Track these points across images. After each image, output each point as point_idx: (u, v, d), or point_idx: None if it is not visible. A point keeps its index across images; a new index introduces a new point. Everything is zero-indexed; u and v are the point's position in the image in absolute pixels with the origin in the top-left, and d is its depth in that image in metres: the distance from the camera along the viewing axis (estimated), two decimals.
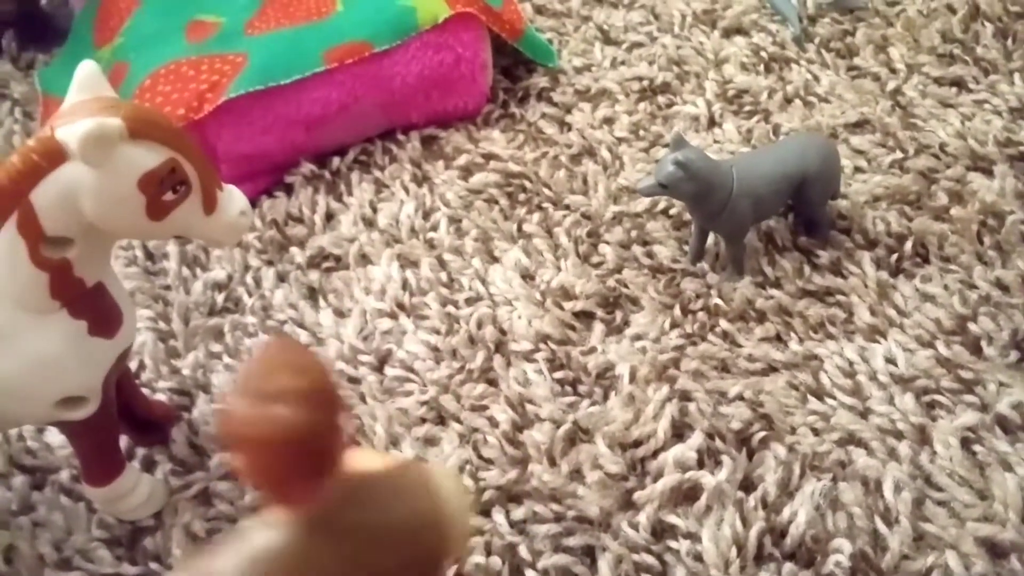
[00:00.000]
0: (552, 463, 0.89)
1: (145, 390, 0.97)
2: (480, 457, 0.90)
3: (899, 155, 1.16)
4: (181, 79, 1.14)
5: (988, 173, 1.14)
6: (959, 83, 1.26)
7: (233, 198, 0.75)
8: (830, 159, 1.03)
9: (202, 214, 0.73)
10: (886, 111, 1.22)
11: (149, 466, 0.92)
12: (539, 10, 1.42)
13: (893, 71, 1.29)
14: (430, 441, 0.92)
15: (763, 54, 1.32)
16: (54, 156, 0.68)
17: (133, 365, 0.99)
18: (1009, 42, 1.31)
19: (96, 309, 0.76)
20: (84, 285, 0.74)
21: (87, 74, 0.71)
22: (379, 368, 0.98)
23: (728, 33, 1.36)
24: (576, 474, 0.89)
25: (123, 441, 0.91)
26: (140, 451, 0.93)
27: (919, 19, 1.35)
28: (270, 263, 1.10)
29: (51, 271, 0.71)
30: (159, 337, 1.02)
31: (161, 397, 0.98)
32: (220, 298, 1.06)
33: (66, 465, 0.92)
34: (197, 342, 1.02)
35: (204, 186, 0.73)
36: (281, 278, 1.08)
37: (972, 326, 0.98)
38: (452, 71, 1.21)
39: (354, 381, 0.97)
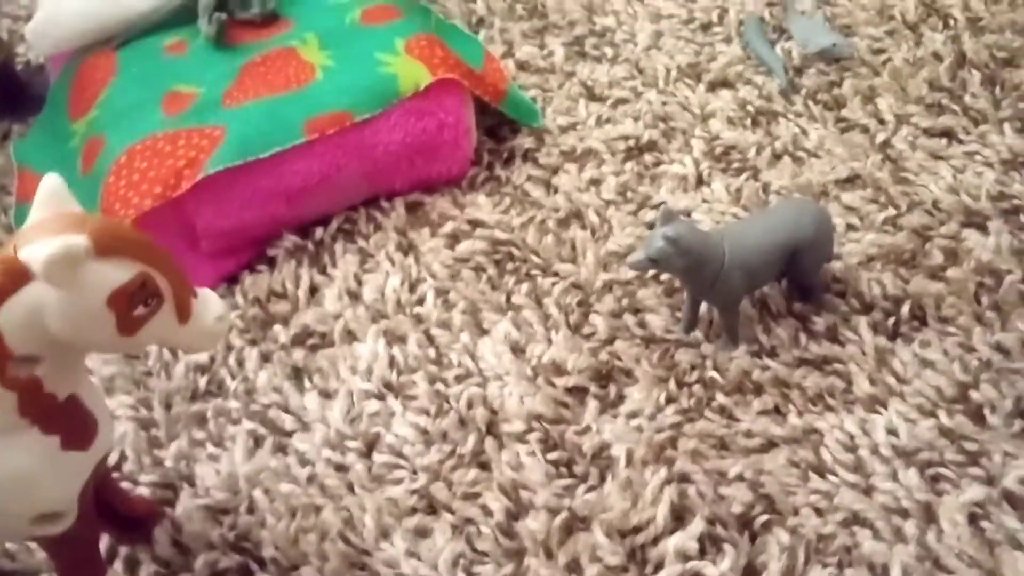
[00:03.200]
0: (549, 555, 0.86)
1: (127, 484, 0.94)
2: (474, 550, 0.88)
3: (892, 212, 1.15)
4: (158, 155, 1.11)
5: (982, 229, 1.12)
6: (949, 134, 1.25)
7: (208, 304, 0.73)
8: (823, 226, 1.01)
9: (176, 324, 0.71)
10: (876, 165, 1.21)
11: (132, 567, 0.89)
12: (522, 66, 1.40)
13: (882, 122, 1.27)
14: (421, 533, 0.89)
15: (750, 108, 1.30)
16: (17, 277, 0.65)
17: (114, 456, 0.96)
18: (997, 90, 1.30)
19: (69, 423, 0.73)
20: (55, 400, 0.71)
21: (50, 189, 0.69)
22: (367, 454, 0.96)
23: (713, 87, 1.34)
24: (574, 565, 0.86)
25: (104, 540, 0.88)
26: (123, 550, 0.90)
27: (906, 68, 1.34)
28: (253, 342, 1.07)
29: (19, 390, 0.68)
30: (140, 426, 0.99)
31: (144, 491, 0.94)
32: (203, 382, 1.03)
33: (47, 568, 0.88)
34: (179, 430, 0.99)
35: (177, 295, 0.70)
36: (265, 358, 1.05)
37: (974, 394, 0.96)
38: (435, 138, 1.19)
39: (342, 469, 0.94)
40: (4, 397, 0.68)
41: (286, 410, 1.00)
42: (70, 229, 0.65)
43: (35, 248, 0.65)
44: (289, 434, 0.98)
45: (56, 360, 0.70)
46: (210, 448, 0.97)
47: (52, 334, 0.67)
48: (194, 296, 0.72)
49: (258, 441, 0.97)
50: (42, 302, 0.66)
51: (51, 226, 0.66)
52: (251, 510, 0.91)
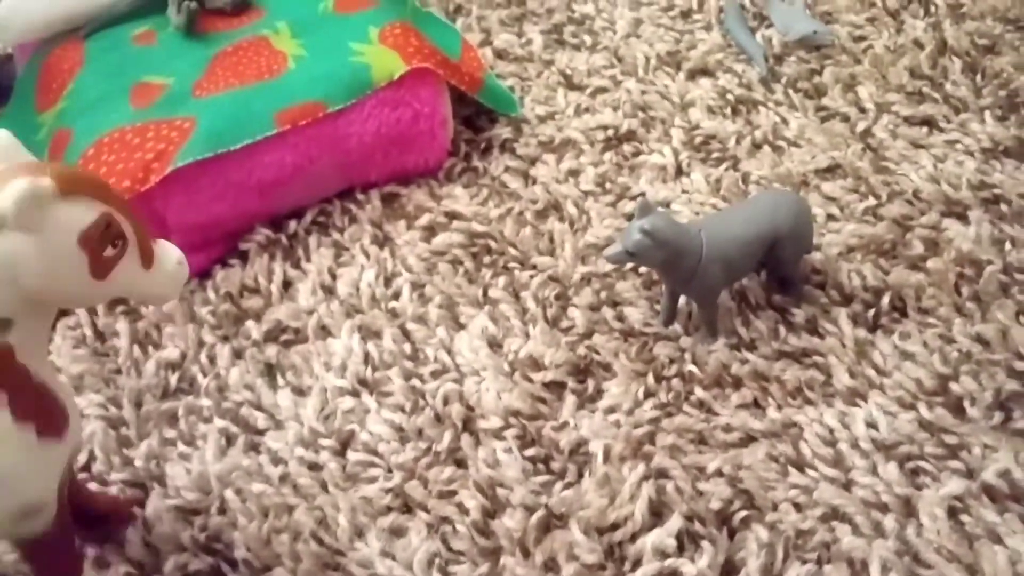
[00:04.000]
0: (526, 554, 0.85)
1: (94, 485, 0.92)
2: (450, 549, 0.86)
3: (872, 202, 1.14)
4: (126, 148, 1.09)
5: (963, 219, 1.11)
6: (930, 122, 1.24)
7: (167, 250, 0.73)
8: (802, 217, 1.00)
9: (142, 269, 0.70)
10: (857, 154, 1.20)
11: (102, 568, 0.87)
12: (500, 55, 1.38)
13: (863, 111, 1.26)
14: (396, 532, 0.88)
15: (730, 96, 1.29)
16: None
17: (84, 456, 0.94)
18: (978, 78, 1.29)
19: (41, 409, 0.71)
20: (28, 375, 0.70)
21: (2, 144, 0.67)
22: (341, 452, 0.94)
23: (693, 75, 1.33)
24: (552, 563, 0.85)
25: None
26: (91, 551, 0.88)
27: (887, 55, 1.33)
28: (225, 339, 1.05)
29: None
30: (109, 425, 0.97)
31: (113, 490, 0.93)
32: (173, 379, 1.01)
33: (13, 572, 0.86)
34: (150, 428, 0.97)
35: (139, 239, 0.70)
36: (237, 355, 1.03)
37: (954, 386, 0.95)
38: (411, 128, 1.17)
39: (315, 468, 0.93)
40: None
41: (258, 408, 0.98)
42: (32, 173, 0.64)
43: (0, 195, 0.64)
44: (261, 432, 0.96)
45: (27, 327, 0.68)
46: (181, 447, 0.95)
47: (25, 289, 0.66)
48: (154, 241, 0.72)
49: (230, 440, 0.95)
50: (13, 252, 0.65)
51: (11, 174, 0.65)
52: (223, 510, 0.89)
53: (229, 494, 0.90)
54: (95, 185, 0.69)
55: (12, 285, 0.66)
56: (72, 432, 0.75)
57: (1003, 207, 1.12)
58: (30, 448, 0.71)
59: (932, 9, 1.39)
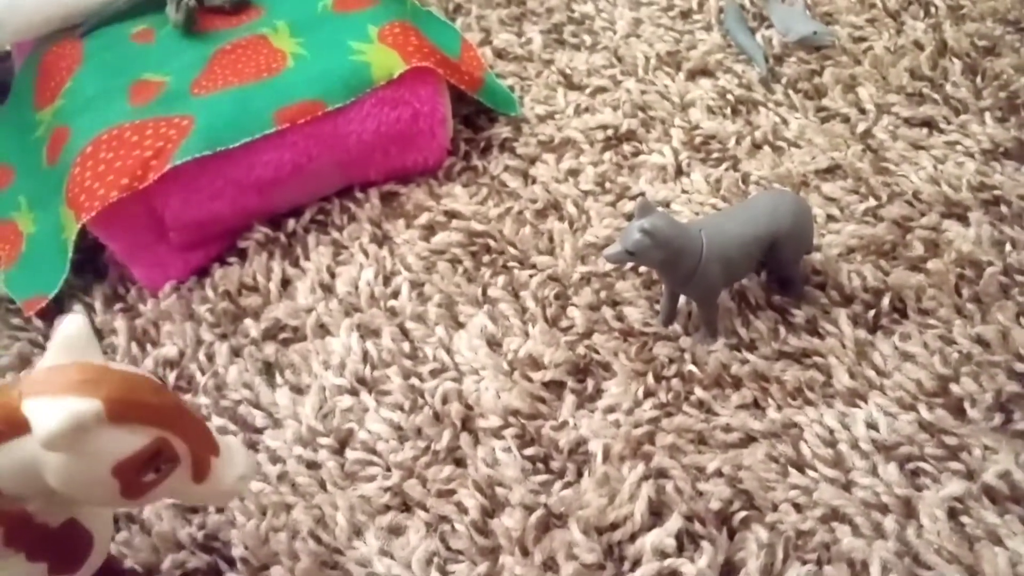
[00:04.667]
0: (525, 553, 0.85)
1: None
2: (448, 548, 0.86)
3: (872, 203, 1.13)
4: (124, 145, 1.08)
5: (963, 220, 1.11)
6: (930, 123, 1.24)
7: (232, 461, 0.67)
8: (802, 216, 0.99)
9: (190, 483, 0.65)
10: (857, 155, 1.20)
11: None
12: (499, 54, 1.38)
13: (863, 112, 1.26)
14: (395, 531, 0.88)
15: (730, 97, 1.28)
16: (15, 427, 0.59)
17: None
18: (978, 79, 1.29)
19: (59, 549, 0.67)
20: (47, 528, 0.66)
21: (72, 333, 0.62)
22: (340, 451, 0.94)
23: (693, 75, 1.32)
24: (551, 562, 0.85)
25: None
26: None
27: (887, 56, 1.33)
28: (223, 336, 1.04)
29: (6, 524, 0.63)
30: None
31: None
32: (172, 377, 1.01)
33: None
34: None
35: (195, 456, 0.65)
36: (235, 353, 1.03)
37: (954, 387, 0.95)
38: (410, 127, 1.17)
39: (313, 466, 0.92)
40: None
41: (257, 406, 0.97)
42: (85, 389, 0.59)
43: (41, 405, 0.58)
44: (260, 431, 0.95)
45: (50, 499, 0.64)
46: None
47: (47, 486, 0.62)
48: (215, 455, 0.66)
49: None
50: (40, 458, 0.60)
51: (65, 380, 0.60)
52: (220, 509, 0.89)
53: None
54: (153, 407, 0.62)
55: (33, 480, 0.61)
56: (92, 561, 0.70)
57: (1003, 208, 1.12)
58: None
59: (932, 10, 1.39)
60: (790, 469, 0.90)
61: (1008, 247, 1.07)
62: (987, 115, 1.24)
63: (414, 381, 0.98)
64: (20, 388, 0.60)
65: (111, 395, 0.59)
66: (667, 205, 1.15)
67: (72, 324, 0.63)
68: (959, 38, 1.34)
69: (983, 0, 1.40)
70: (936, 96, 1.26)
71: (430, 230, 1.14)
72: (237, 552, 0.86)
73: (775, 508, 0.87)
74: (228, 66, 1.17)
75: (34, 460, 0.60)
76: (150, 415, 0.61)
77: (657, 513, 0.87)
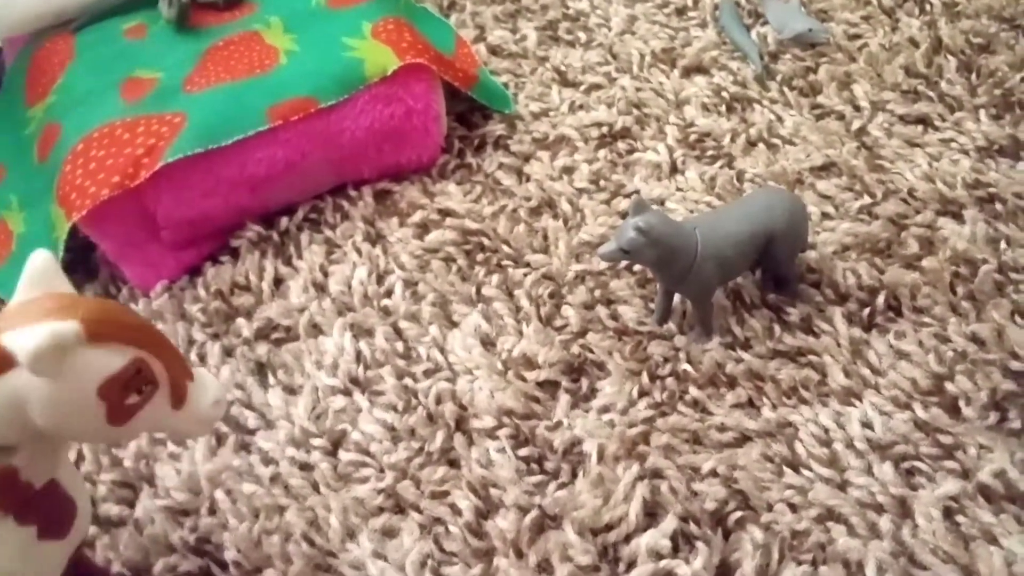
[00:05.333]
0: (519, 555, 0.84)
1: (88, 485, 0.90)
2: (442, 550, 0.85)
3: (867, 200, 1.13)
4: (116, 143, 1.07)
5: (958, 218, 1.11)
6: (925, 121, 1.23)
7: (205, 386, 0.68)
8: (797, 215, 0.99)
9: (169, 410, 0.66)
10: (852, 153, 1.19)
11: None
12: (494, 51, 1.37)
13: (857, 109, 1.26)
14: (388, 533, 0.87)
15: (724, 94, 1.28)
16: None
17: (72, 455, 0.93)
18: (973, 77, 1.28)
19: (46, 511, 0.67)
20: (32, 488, 0.66)
21: (39, 267, 0.63)
22: (333, 452, 0.93)
23: (688, 72, 1.32)
24: (545, 564, 0.84)
25: None
26: None
27: (882, 54, 1.32)
28: (215, 336, 1.04)
29: None
30: None
31: (102, 490, 0.91)
32: None
33: None
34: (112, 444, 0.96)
35: (173, 380, 0.65)
36: (228, 352, 1.02)
37: (949, 386, 0.94)
38: (404, 124, 1.16)
39: (306, 468, 0.92)
40: None
41: (249, 407, 0.97)
42: (60, 314, 0.60)
43: (20, 335, 0.59)
44: (252, 432, 0.95)
45: (35, 448, 0.65)
46: (171, 447, 0.94)
47: (34, 424, 0.62)
48: (190, 379, 0.67)
49: (220, 440, 0.94)
50: (25, 391, 0.60)
51: (39, 309, 0.61)
52: (212, 511, 0.88)
53: (219, 495, 0.89)
54: (129, 327, 0.64)
55: (19, 419, 0.62)
56: (78, 528, 0.71)
57: (998, 206, 1.12)
58: (29, 551, 0.67)
59: (927, 8, 1.39)
60: (785, 469, 0.89)
61: (1003, 245, 1.07)
62: (982, 112, 1.23)
63: (408, 381, 0.98)
64: None
65: (88, 316, 0.61)
66: (662, 203, 1.14)
67: (39, 258, 0.64)
68: (954, 35, 1.34)
69: None
70: (931, 93, 1.26)
71: (424, 228, 1.13)
72: (229, 555, 0.86)
73: (770, 508, 0.87)
74: (221, 63, 1.17)
75: (19, 397, 0.61)
76: (127, 334, 0.63)
77: (652, 514, 0.87)
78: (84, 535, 0.73)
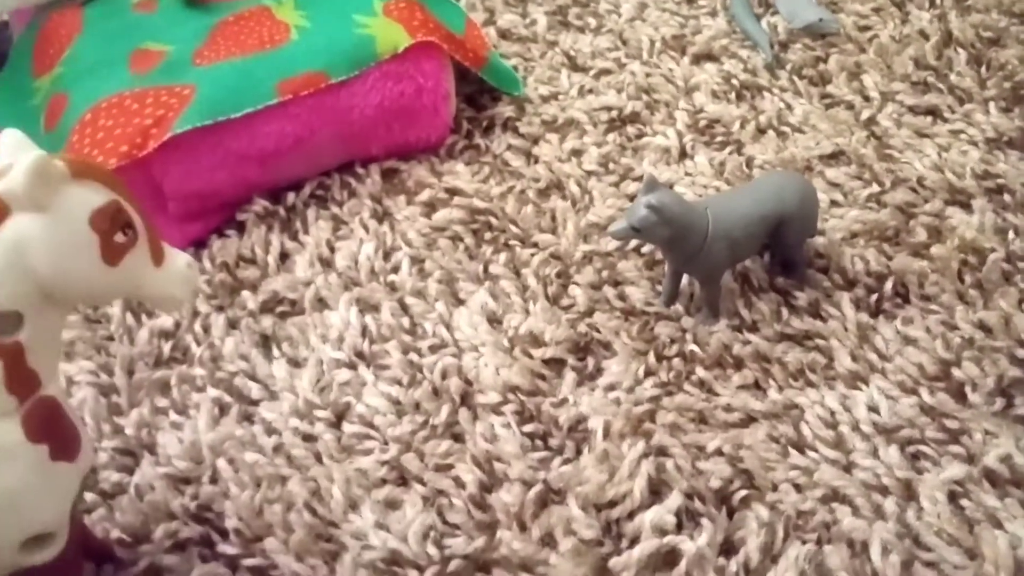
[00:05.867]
0: (522, 528, 0.84)
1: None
2: (445, 522, 0.85)
3: (876, 188, 1.13)
4: (124, 113, 1.07)
5: (966, 207, 1.11)
6: (934, 112, 1.23)
7: (175, 252, 0.71)
8: (808, 199, 0.99)
9: (152, 264, 0.69)
10: (861, 142, 1.19)
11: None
12: (503, 35, 1.37)
13: (867, 99, 1.25)
14: (391, 504, 0.86)
15: (734, 81, 1.28)
16: None
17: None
18: (983, 69, 1.28)
19: (54, 428, 0.68)
20: (38, 381, 0.67)
21: (13, 140, 0.66)
22: (337, 424, 0.93)
23: (698, 59, 1.32)
24: (548, 538, 0.84)
25: None
26: None
27: (892, 45, 1.32)
28: (220, 308, 1.03)
29: (3, 356, 0.64)
30: (100, 392, 0.95)
31: (103, 457, 0.91)
32: (167, 348, 1.00)
33: None
34: (142, 397, 0.95)
35: (149, 234, 0.69)
36: (232, 325, 1.02)
37: (956, 371, 0.94)
38: (413, 102, 1.16)
39: (310, 439, 0.91)
40: None
41: (253, 378, 0.96)
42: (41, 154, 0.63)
43: (9, 180, 0.62)
44: (256, 403, 0.94)
45: (37, 325, 0.65)
46: (173, 416, 0.93)
47: (36, 273, 0.64)
48: (163, 239, 0.70)
49: (223, 409, 0.93)
50: (25, 235, 0.63)
51: (20, 161, 0.63)
52: (214, 480, 0.88)
53: (221, 463, 0.89)
54: (105, 172, 0.68)
55: (22, 271, 0.63)
56: (85, 454, 0.71)
57: (1006, 196, 1.12)
58: (43, 470, 0.67)
59: (938, 1, 1.39)
60: (790, 450, 0.89)
61: (1011, 234, 1.07)
62: (991, 105, 1.23)
63: (413, 356, 0.98)
64: None
65: (68, 159, 0.65)
66: (671, 187, 1.14)
67: (11, 135, 0.66)
68: (964, 28, 1.34)
69: None
70: (941, 85, 1.26)
71: (431, 207, 1.13)
72: (230, 523, 0.85)
73: (775, 488, 0.87)
74: (230, 37, 1.16)
75: (20, 241, 0.63)
76: (103, 176, 0.67)
77: (656, 491, 0.86)
78: (91, 464, 0.74)
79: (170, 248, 0.71)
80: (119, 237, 0.66)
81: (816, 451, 0.89)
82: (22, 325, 0.65)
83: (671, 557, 0.82)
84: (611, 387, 0.95)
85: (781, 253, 1.02)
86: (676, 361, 0.96)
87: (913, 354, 0.96)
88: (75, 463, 0.70)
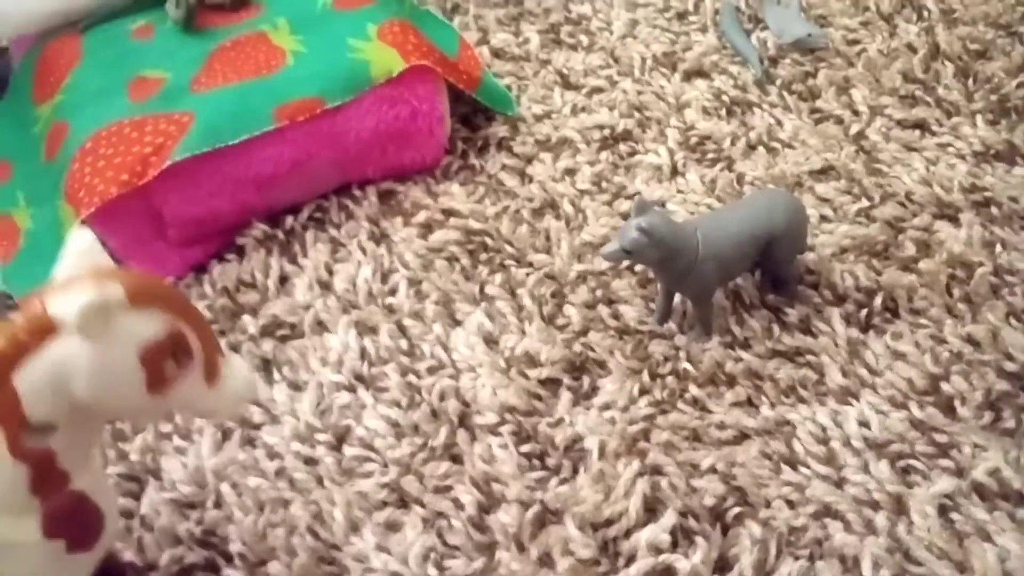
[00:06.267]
0: (521, 549, 0.86)
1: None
2: (445, 544, 0.87)
3: (865, 203, 1.15)
4: (124, 141, 1.09)
5: (954, 221, 1.13)
6: (922, 125, 1.25)
7: (237, 365, 0.70)
8: (796, 216, 1.01)
9: (204, 386, 0.67)
10: (850, 156, 1.21)
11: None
12: (497, 54, 1.39)
13: (856, 114, 1.27)
14: (392, 526, 0.88)
15: (725, 98, 1.30)
16: (44, 332, 0.62)
17: None
18: (970, 82, 1.30)
19: (76, 523, 0.68)
20: (67, 481, 0.67)
21: (82, 245, 0.65)
22: (337, 447, 0.94)
23: (689, 76, 1.33)
24: (546, 558, 0.86)
25: None
26: None
27: (880, 59, 1.34)
28: (222, 333, 1.05)
29: (32, 463, 0.64)
30: None
31: (110, 483, 0.92)
32: None
33: None
34: (145, 423, 0.97)
35: (207, 354, 0.67)
36: (233, 349, 1.03)
37: (945, 386, 0.96)
38: (408, 125, 1.18)
39: (311, 462, 0.93)
40: (15, 472, 0.64)
41: (255, 402, 0.98)
42: (104, 280, 0.62)
43: (66, 300, 0.61)
44: (257, 427, 0.96)
45: (71, 432, 0.65)
46: (177, 441, 0.95)
47: (75, 396, 0.63)
48: (222, 356, 0.69)
49: (226, 434, 0.95)
50: (69, 359, 0.62)
51: (83, 279, 0.63)
52: (218, 504, 0.90)
53: (225, 488, 0.91)
54: (167, 297, 0.66)
55: (62, 391, 0.63)
56: (105, 540, 0.71)
57: (994, 210, 1.14)
58: (56, 564, 0.67)
59: (925, 14, 1.41)
60: (783, 466, 0.91)
61: (999, 248, 1.09)
62: (979, 118, 1.25)
63: (411, 378, 0.99)
64: (42, 297, 0.63)
65: (130, 283, 0.63)
66: (662, 205, 1.16)
67: (81, 239, 0.66)
68: (951, 42, 1.35)
69: (975, 4, 1.41)
70: (928, 99, 1.28)
71: (428, 228, 1.14)
72: (235, 548, 0.87)
73: (768, 504, 0.88)
74: (228, 63, 1.18)
75: (63, 365, 0.62)
76: (166, 302, 0.65)
77: (652, 509, 0.88)
78: (113, 543, 0.74)
79: (231, 360, 0.69)
80: (170, 369, 0.64)
81: (808, 467, 0.91)
82: (54, 434, 0.65)
83: (667, 575, 0.83)
84: (606, 406, 0.96)
85: (771, 270, 1.04)
86: (670, 379, 0.98)
87: (903, 369, 0.98)
88: (92, 552, 0.70)
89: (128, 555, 0.86)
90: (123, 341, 0.63)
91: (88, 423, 0.67)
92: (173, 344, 0.64)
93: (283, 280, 1.10)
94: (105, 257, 0.66)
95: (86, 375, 0.63)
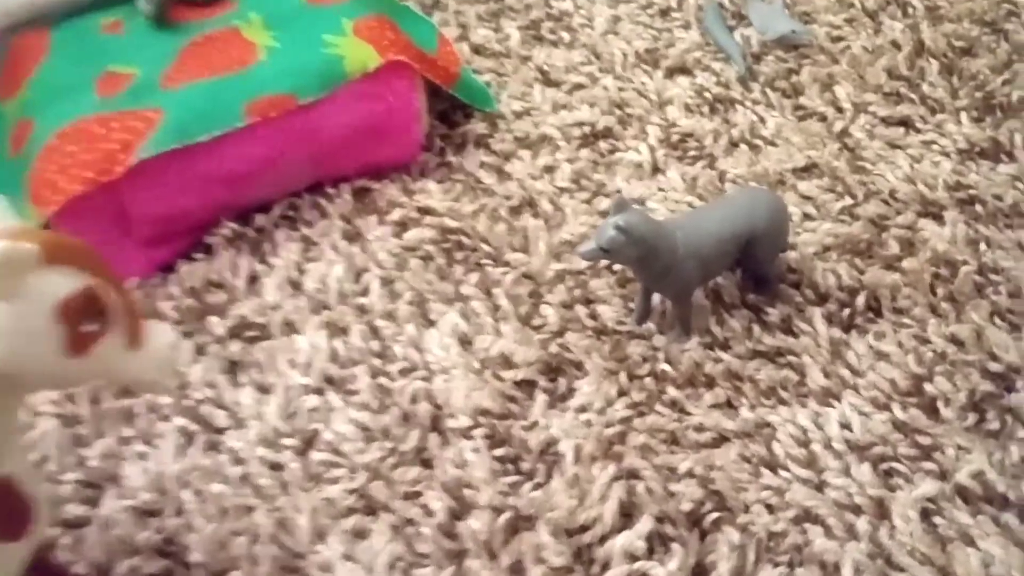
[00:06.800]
0: (492, 556, 0.83)
1: (48, 484, 0.89)
2: (413, 552, 0.84)
3: (848, 201, 1.13)
4: (90, 138, 1.06)
5: (939, 219, 1.11)
6: (906, 123, 1.23)
7: (159, 331, 0.68)
8: (778, 215, 0.99)
9: (126, 349, 0.65)
10: (834, 154, 1.19)
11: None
12: (477, 50, 1.37)
13: (840, 111, 1.25)
14: (359, 534, 0.85)
15: (707, 95, 1.27)
16: None
17: (36, 455, 0.91)
18: (955, 79, 1.28)
19: (1, 512, 0.66)
20: None
21: None
22: (304, 452, 0.91)
23: (671, 73, 1.31)
24: (518, 566, 0.83)
25: None
26: None
27: (864, 56, 1.32)
28: (188, 335, 1.02)
29: None
30: (64, 423, 0.94)
31: (67, 490, 0.90)
32: None
33: None
34: (106, 427, 0.94)
35: (128, 317, 0.65)
36: (199, 351, 1.01)
37: (928, 386, 0.94)
38: (384, 122, 1.15)
39: (276, 468, 0.90)
40: None
41: (220, 406, 0.95)
42: (15, 238, 0.60)
43: None
44: (222, 431, 0.93)
45: None
46: (138, 446, 0.92)
47: None
48: (143, 319, 0.67)
49: (189, 438, 0.92)
50: None
51: None
52: (179, 512, 0.87)
53: (187, 495, 0.88)
54: (83, 254, 0.64)
55: None
56: (36, 529, 0.69)
57: (978, 208, 1.12)
58: None
59: (910, 11, 1.39)
60: (763, 469, 0.88)
61: (983, 246, 1.07)
62: (963, 115, 1.23)
63: (383, 380, 0.97)
64: None
65: (44, 240, 0.61)
66: (643, 203, 1.14)
67: None
68: (936, 38, 1.33)
69: (960, 1, 1.40)
70: (913, 96, 1.26)
71: (402, 226, 1.12)
72: (195, 557, 0.84)
73: (747, 509, 0.86)
74: (199, 58, 1.15)
75: None
76: (81, 260, 0.63)
77: (628, 514, 0.86)
78: (42, 537, 0.71)
79: (154, 326, 0.68)
80: (88, 326, 0.62)
81: (788, 470, 0.88)
82: None
83: None
84: (582, 408, 0.94)
85: (752, 269, 1.02)
86: (648, 381, 0.96)
87: (885, 369, 0.96)
88: (20, 541, 0.67)
89: (80, 567, 0.83)
90: (37, 297, 0.61)
91: (6, 397, 0.65)
92: (90, 301, 0.62)
93: (252, 280, 1.07)
94: (15, 218, 0.65)
95: (1, 335, 0.60)
